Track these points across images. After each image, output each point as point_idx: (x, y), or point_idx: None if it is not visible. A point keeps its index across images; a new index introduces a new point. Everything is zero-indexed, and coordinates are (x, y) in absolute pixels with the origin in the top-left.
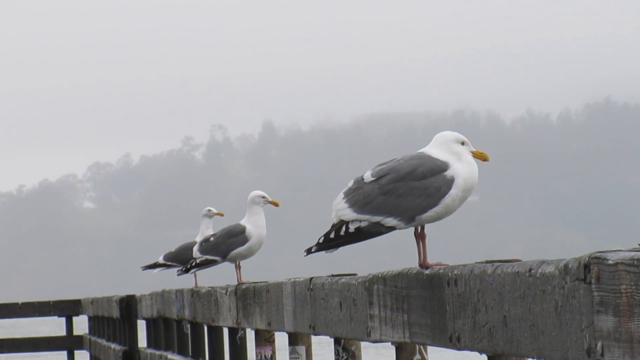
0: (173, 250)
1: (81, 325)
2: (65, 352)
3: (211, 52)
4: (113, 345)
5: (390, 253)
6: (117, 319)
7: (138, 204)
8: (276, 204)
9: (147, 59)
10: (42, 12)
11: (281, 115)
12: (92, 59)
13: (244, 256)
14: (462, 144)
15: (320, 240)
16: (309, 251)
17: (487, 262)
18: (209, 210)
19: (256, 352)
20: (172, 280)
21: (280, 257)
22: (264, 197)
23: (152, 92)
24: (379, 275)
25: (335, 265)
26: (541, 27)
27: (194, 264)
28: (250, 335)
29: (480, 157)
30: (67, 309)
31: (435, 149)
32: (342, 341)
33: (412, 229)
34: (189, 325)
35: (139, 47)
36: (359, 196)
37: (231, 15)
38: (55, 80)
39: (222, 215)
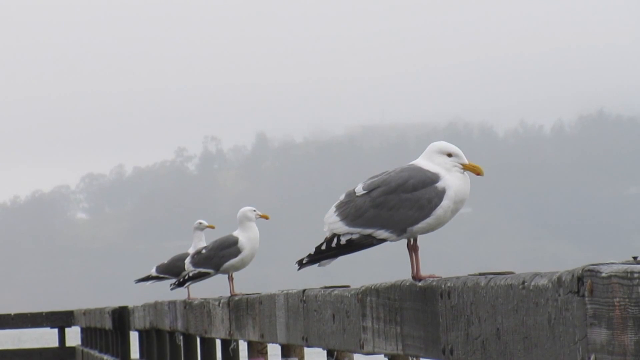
0: (165, 262)
1: (74, 336)
2: None
3: (204, 63)
4: (105, 357)
5: (383, 265)
6: (109, 330)
7: (131, 215)
8: (266, 217)
9: (141, 71)
10: (35, 23)
11: (274, 126)
12: (86, 70)
13: (237, 268)
14: (450, 155)
15: (312, 252)
16: (300, 263)
17: (480, 274)
18: (200, 223)
19: None
20: (165, 291)
21: (273, 268)
22: (255, 211)
23: (145, 104)
24: (372, 287)
25: (328, 277)
26: (534, 39)
27: (187, 277)
28: (242, 347)
29: (473, 170)
30: (60, 320)
31: (425, 161)
32: (335, 353)
33: (404, 241)
34: (181, 337)
35: (132, 58)
36: (350, 209)
37: (224, 27)
38: (48, 91)
39: (213, 227)
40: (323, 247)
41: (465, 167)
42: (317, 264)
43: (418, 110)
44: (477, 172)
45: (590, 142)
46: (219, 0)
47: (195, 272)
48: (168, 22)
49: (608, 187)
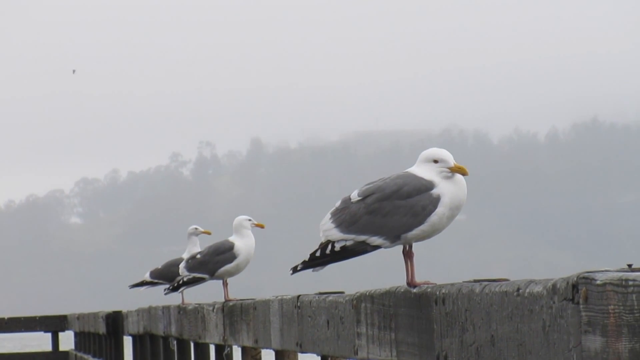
0: (159, 267)
1: (67, 340)
2: None
3: (199, 68)
4: None
5: (378, 271)
6: (103, 334)
7: (125, 220)
8: (261, 226)
9: (135, 75)
10: (31, 25)
11: (269, 132)
12: (81, 75)
13: (232, 273)
14: (435, 161)
15: (306, 259)
16: (295, 269)
17: (475, 281)
18: (196, 228)
19: None
20: (159, 296)
21: (268, 274)
22: (250, 220)
23: (140, 108)
24: (367, 293)
25: (322, 283)
26: (528, 46)
27: (181, 282)
28: (236, 352)
29: (458, 171)
30: (53, 324)
31: (419, 168)
32: (329, 359)
33: (399, 248)
34: (175, 342)
35: (126, 62)
36: (345, 216)
37: (220, 33)
38: (42, 95)
39: (209, 233)
40: (317, 254)
41: (452, 170)
42: (312, 269)
43: (412, 116)
44: (462, 172)
45: (584, 149)
46: (214, 6)
47: (190, 277)
48: (163, 27)
49: (602, 194)
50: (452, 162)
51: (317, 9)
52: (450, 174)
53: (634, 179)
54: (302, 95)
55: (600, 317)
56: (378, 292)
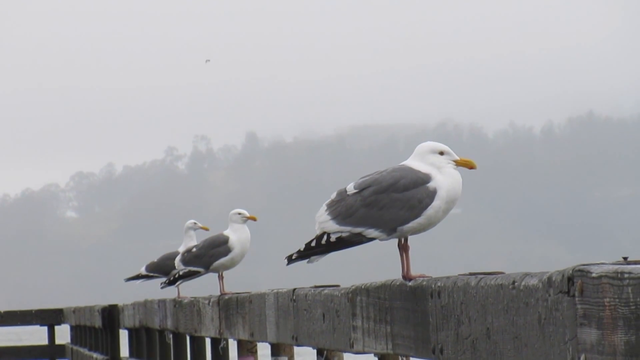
0: (155, 260)
1: (63, 334)
2: None
3: (195, 62)
4: (95, 355)
5: (373, 264)
6: (99, 328)
7: (121, 214)
8: (254, 219)
9: (131, 69)
10: (26, 18)
11: (264, 126)
12: (75, 68)
13: (227, 267)
14: (441, 153)
15: (302, 248)
16: (289, 258)
17: (470, 274)
18: (195, 223)
19: None
20: (155, 290)
21: (263, 268)
22: (240, 214)
23: (136, 102)
24: (362, 286)
25: (318, 277)
26: (524, 40)
27: (177, 275)
28: (232, 346)
29: (465, 165)
30: (50, 318)
31: (416, 161)
32: (325, 352)
33: (395, 241)
34: (171, 336)
35: (122, 56)
36: (341, 208)
37: (214, 26)
38: (38, 89)
39: (207, 229)
40: (313, 244)
41: (458, 163)
42: (307, 261)
43: (408, 111)
44: (470, 165)
45: (579, 143)
46: (209, 0)
47: (186, 270)
48: (158, 21)
49: (597, 188)
50: (456, 155)
51: (312, 3)
52: (455, 166)
53: (629, 172)
54: (297, 90)
55: (596, 310)
56: (374, 286)
